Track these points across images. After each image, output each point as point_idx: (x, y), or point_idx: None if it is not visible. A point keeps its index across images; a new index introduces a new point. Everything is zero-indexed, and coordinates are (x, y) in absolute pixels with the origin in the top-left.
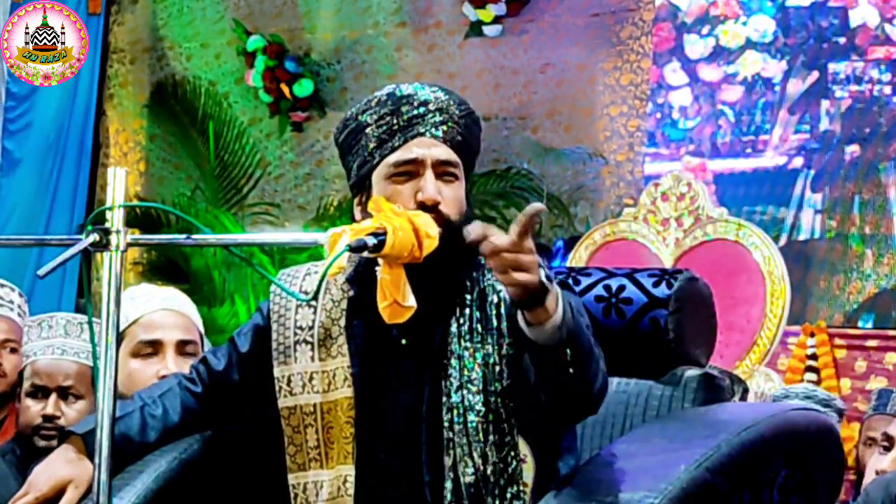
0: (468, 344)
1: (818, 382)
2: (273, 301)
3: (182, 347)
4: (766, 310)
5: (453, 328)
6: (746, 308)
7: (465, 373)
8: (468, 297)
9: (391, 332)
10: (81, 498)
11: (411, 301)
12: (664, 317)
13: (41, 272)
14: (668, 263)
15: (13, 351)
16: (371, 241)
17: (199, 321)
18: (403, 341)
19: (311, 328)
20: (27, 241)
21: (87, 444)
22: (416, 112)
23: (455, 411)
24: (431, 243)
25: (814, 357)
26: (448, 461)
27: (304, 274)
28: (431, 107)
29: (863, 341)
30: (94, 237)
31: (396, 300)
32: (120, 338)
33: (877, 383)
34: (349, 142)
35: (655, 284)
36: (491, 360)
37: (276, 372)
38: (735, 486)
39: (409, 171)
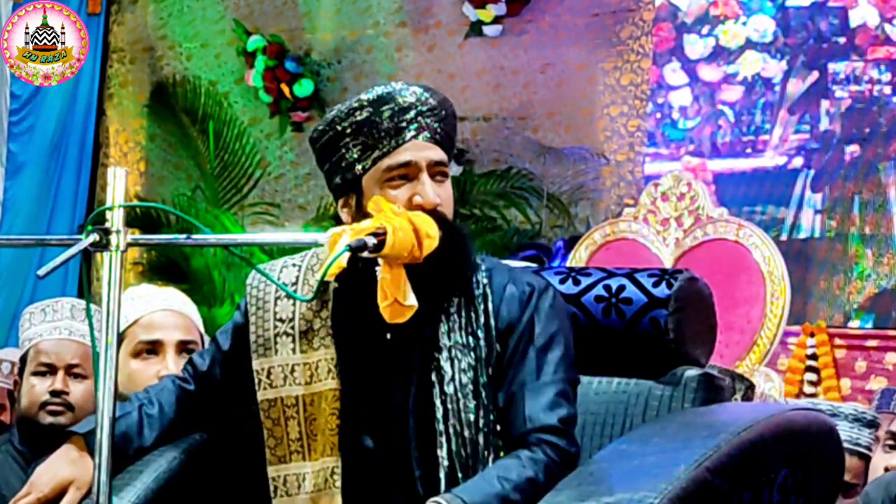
0: (460, 338)
1: (818, 382)
2: (250, 295)
3: (182, 348)
4: (766, 310)
5: (444, 322)
6: (746, 308)
7: (458, 364)
8: (459, 292)
9: (376, 325)
10: (83, 498)
11: (412, 300)
12: (664, 317)
13: (41, 272)
14: (668, 263)
15: None
16: (371, 241)
17: (199, 321)
18: (388, 335)
19: (291, 320)
20: (27, 241)
21: (88, 444)
22: (406, 115)
23: (449, 403)
24: (431, 243)
25: (814, 357)
26: (442, 453)
27: (280, 266)
28: (420, 108)
29: (863, 341)
30: (94, 237)
31: (397, 299)
32: (120, 338)
33: (877, 383)
34: (328, 147)
35: (655, 284)
36: (482, 355)
37: (255, 364)
38: (735, 486)
39: (405, 174)
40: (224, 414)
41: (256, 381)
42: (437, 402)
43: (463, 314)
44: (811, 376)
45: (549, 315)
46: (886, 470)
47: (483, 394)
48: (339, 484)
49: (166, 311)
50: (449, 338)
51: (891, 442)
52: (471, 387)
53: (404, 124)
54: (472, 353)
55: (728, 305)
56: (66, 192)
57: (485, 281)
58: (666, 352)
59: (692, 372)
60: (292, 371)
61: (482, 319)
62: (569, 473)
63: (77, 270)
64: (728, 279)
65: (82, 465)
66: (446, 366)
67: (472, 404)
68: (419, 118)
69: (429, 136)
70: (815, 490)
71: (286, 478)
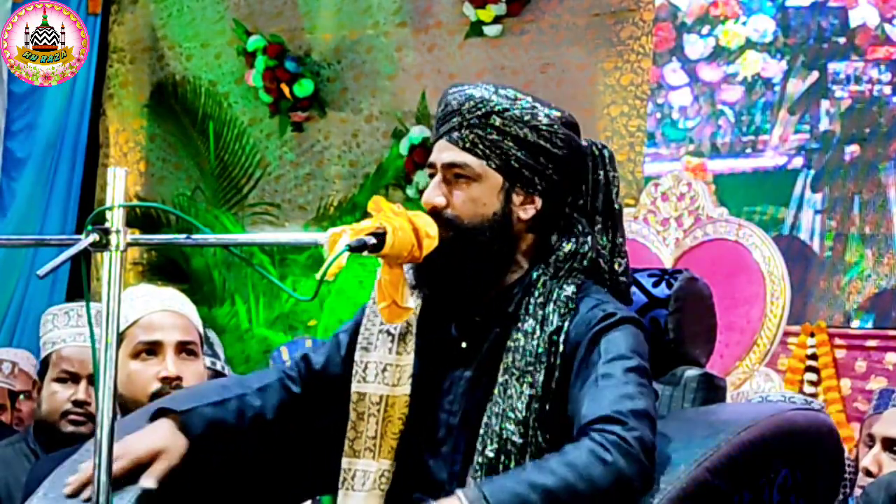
0: (518, 368)
1: (818, 382)
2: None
3: (182, 348)
4: (766, 310)
5: (509, 343)
6: (746, 308)
7: (510, 399)
8: (528, 311)
9: (452, 335)
10: (166, 478)
11: (410, 303)
12: (664, 317)
13: (41, 272)
14: (668, 263)
15: None
16: (371, 240)
17: (198, 322)
18: (463, 344)
19: None
20: (27, 240)
21: (185, 424)
22: (439, 115)
23: (491, 435)
24: (431, 243)
25: (814, 357)
26: (474, 473)
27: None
28: (449, 109)
29: (863, 341)
30: (94, 237)
31: (395, 301)
32: (120, 338)
33: (877, 383)
34: None
35: (655, 284)
36: (538, 390)
37: (357, 356)
38: (735, 486)
39: (433, 174)
40: (327, 414)
41: (354, 371)
42: (482, 430)
43: (534, 338)
44: (811, 376)
45: (617, 340)
46: (861, 470)
47: (531, 424)
48: (385, 487)
49: (166, 311)
50: (512, 362)
51: (870, 444)
52: (521, 414)
53: (440, 125)
54: (530, 387)
55: (728, 305)
56: (59, 192)
57: (572, 305)
58: (666, 352)
59: (692, 372)
60: (384, 370)
61: (549, 341)
62: (623, 458)
63: (67, 271)
64: (728, 279)
65: (175, 438)
66: (500, 398)
67: (514, 429)
68: (448, 119)
69: (453, 137)
70: (815, 490)
71: (355, 472)
